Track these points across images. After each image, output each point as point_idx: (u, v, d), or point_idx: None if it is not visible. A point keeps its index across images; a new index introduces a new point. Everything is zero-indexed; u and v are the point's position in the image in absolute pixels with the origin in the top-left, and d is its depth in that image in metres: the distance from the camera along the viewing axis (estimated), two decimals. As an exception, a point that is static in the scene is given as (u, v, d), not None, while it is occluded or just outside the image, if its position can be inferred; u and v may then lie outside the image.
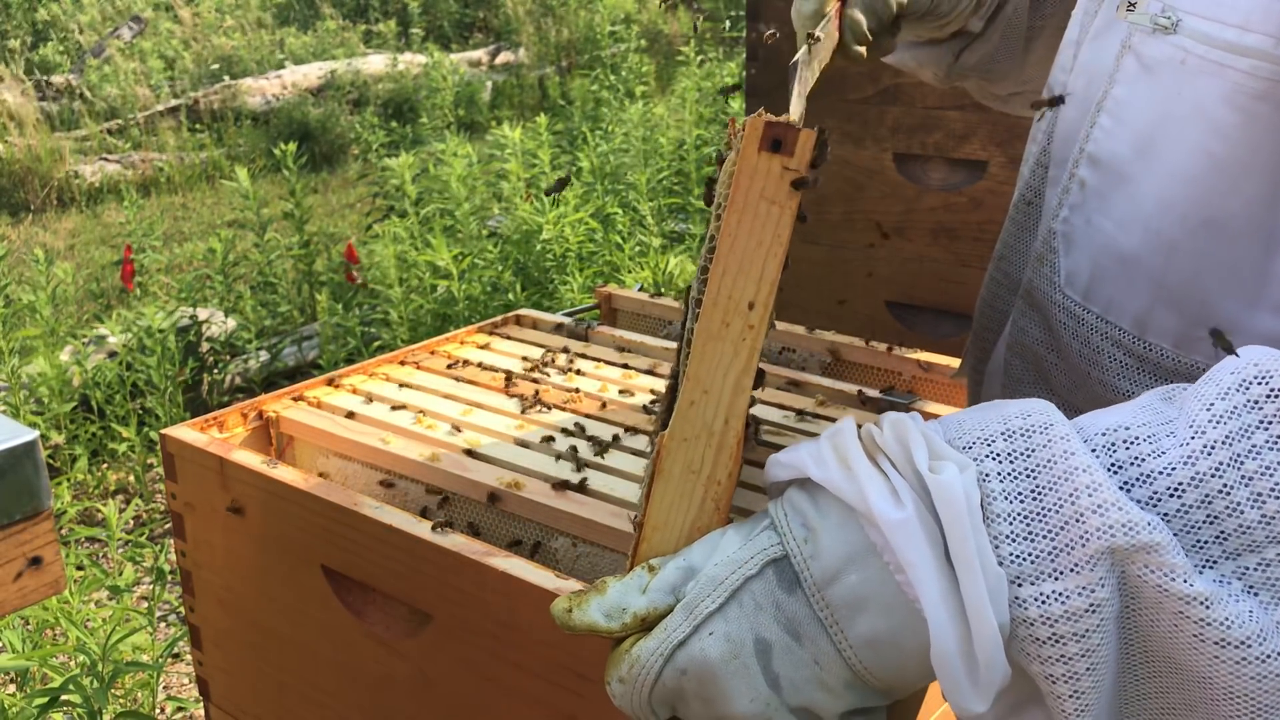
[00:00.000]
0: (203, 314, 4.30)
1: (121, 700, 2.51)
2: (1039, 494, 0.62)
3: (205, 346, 4.14)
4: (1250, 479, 0.59)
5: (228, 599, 1.25)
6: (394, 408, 1.32)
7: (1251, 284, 0.84)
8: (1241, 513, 0.59)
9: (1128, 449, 0.62)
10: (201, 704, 1.44)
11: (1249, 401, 0.60)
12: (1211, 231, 0.84)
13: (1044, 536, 0.61)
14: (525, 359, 1.46)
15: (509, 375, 1.40)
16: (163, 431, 1.24)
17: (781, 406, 1.30)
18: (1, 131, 7.48)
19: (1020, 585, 0.61)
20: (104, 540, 3.15)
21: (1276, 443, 0.59)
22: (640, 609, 0.69)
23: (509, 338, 1.56)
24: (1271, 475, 0.59)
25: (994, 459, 0.63)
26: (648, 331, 1.63)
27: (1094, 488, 0.60)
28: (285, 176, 4.82)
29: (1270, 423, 0.60)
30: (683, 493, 0.73)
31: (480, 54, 9.74)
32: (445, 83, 7.88)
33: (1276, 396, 0.60)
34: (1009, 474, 0.63)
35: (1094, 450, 0.63)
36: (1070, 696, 0.61)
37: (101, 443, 3.80)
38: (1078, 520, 0.60)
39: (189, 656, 2.52)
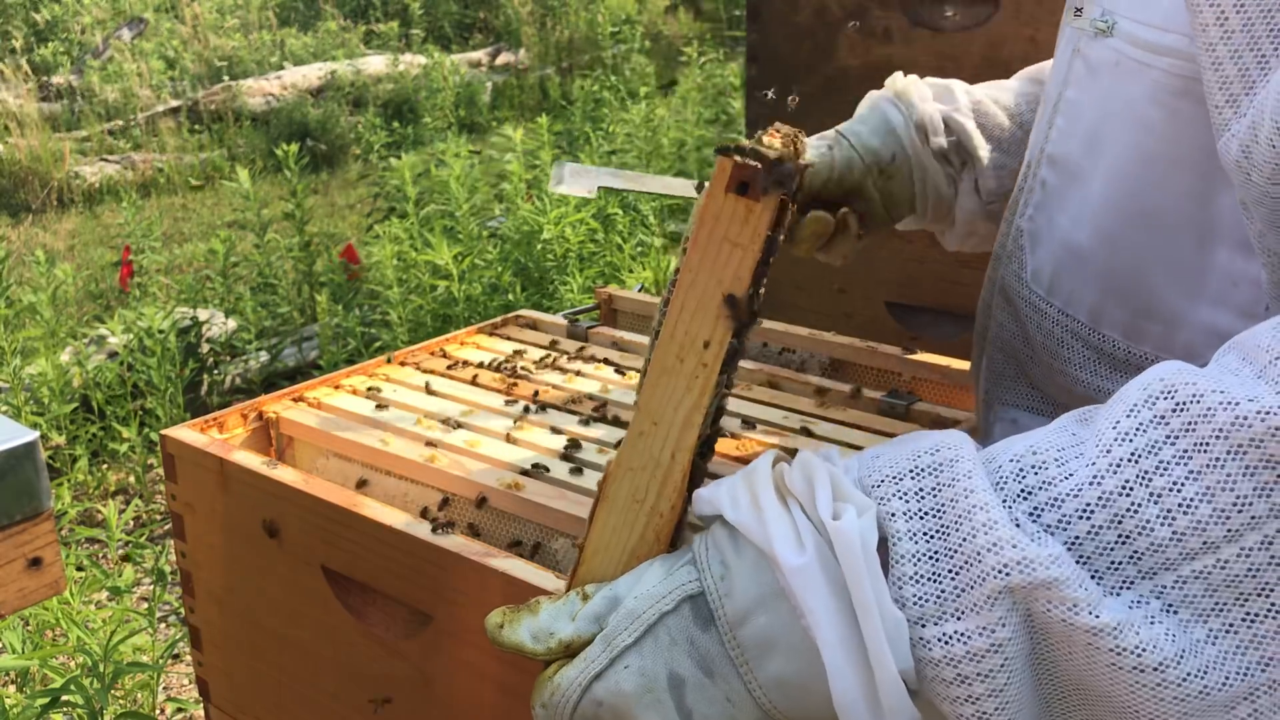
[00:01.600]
0: (203, 315, 4.30)
1: (122, 701, 2.51)
2: (944, 533, 0.61)
3: (205, 347, 4.14)
4: (1159, 496, 0.58)
5: (228, 600, 1.25)
6: (394, 408, 1.32)
7: (1190, 277, 0.86)
8: (1152, 531, 0.58)
9: (1036, 474, 0.62)
10: (201, 705, 1.44)
11: (1155, 417, 0.59)
12: (1148, 225, 0.87)
13: (947, 576, 0.60)
14: (523, 360, 1.46)
15: (510, 375, 1.40)
16: (163, 432, 1.24)
17: (781, 407, 1.30)
18: (1, 132, 7.48)
19: (924, 626, 0.60)
20: (104, 541, 3.15)
21: (1183, 458, 0.58)
22: (566, 635, 0.70)
23: (509, 338, 1.56)
24: (1180, 491, 0.57)
25: (901, 498, 0.63)
26: (648, 332, 1.62)
27: (990, 525, 0.60)
28: (285, 177, 4.82)
29: (1176, 438, 0.58)
30: (625, 520, 0.73)
31: (480, 55, 9.74)
32: (446, 83, 7.89)
33: (1181, 410, 0.58)
34: (915, 513, 0.62)
35: (1004, 478, 0.62)
36: None
37: (102, 443, 3.80)
38: (976, 559, 0.60)
39: (189, 657, 2.51)
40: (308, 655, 1.18)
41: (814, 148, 1.13)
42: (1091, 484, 0.60)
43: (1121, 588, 0.59)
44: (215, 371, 4.15)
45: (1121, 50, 0.87)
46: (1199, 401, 0.58)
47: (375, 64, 8.87)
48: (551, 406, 1.30)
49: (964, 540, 0.60)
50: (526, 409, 1.30)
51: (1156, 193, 0.86)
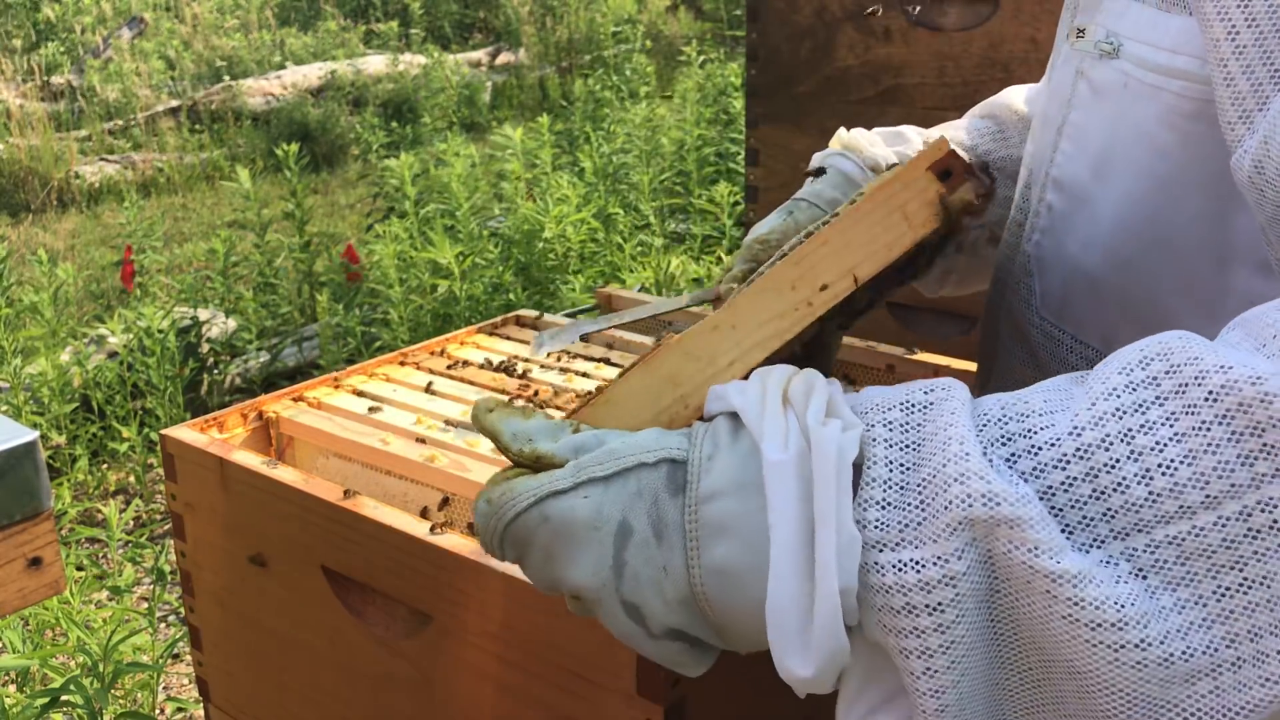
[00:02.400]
0: (204, 314, 4.30)
1: (122, 701, 2.51)
2: (918, 465, 0.61)
3: (205, 347, 4.15)
4: (1139, 455, 0.56)
5: (228, 599, 1.25)
6: (394, 408, 1.32)
7: (1208, 300, 0.84)
8: (1128, 489, 0.56)
9: (1021, 421, 0.61)
10: (201, 705, 1.44)
11: (1148, 378, 0.58)
12: (1164, 249, 0.85)
13: (914, 506, 0.60)
14: (524, 359, 1.46)
15: (510, 375, 1.40)
16: (162, 432, 1.23)
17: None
18: (2, 132, 7.48)
19: (881, 551, 0.60)
20: (104, 541, 3.15)
21: (1170, 419, 0.56)
22: (542, 449, 0.70)
23: (509, 338, 1.56)
24: (1161, 451, 0.56)
25: (885, 426, 0.63)
26: (648, 332, 1.62)
27: (962, 457, 0.59)
28: (286, 177, 4.82)
29: (1165, 399, 0.57)
30: (653, 392, 0.73)
31: (480, 54, 9.74)
32: (448, 83, 7.89)
33: (1175, 373, 0.57)
34: (896, 442, 0.62)
35: (987, 422, 0.61)
36: (924, 674, 0.60)
37: (102, 443, 3.80)
38: (943, 489, 0.59)
39: (189, 657, 2.52)
40: (308, 655, 1.18)
41: (773, 219, 1.13)
42: (1071, 435, 0.59)
43: (1091, 545, 0.57)
44: (215, 371, 4.15)
45: (1129, 73, 0.86)
46: (1194, 365, 0.57)
47: (375, 64, 8.88)
48: (552, 407, 1.30)
49: (935, 472, 0.60)
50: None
51: (1171, 216, 0.85)
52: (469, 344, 1.54)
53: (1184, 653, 0.55)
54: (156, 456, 3.72)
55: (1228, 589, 0.55)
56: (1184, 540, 0.56)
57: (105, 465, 3.85)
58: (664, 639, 0.68)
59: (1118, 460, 0.57)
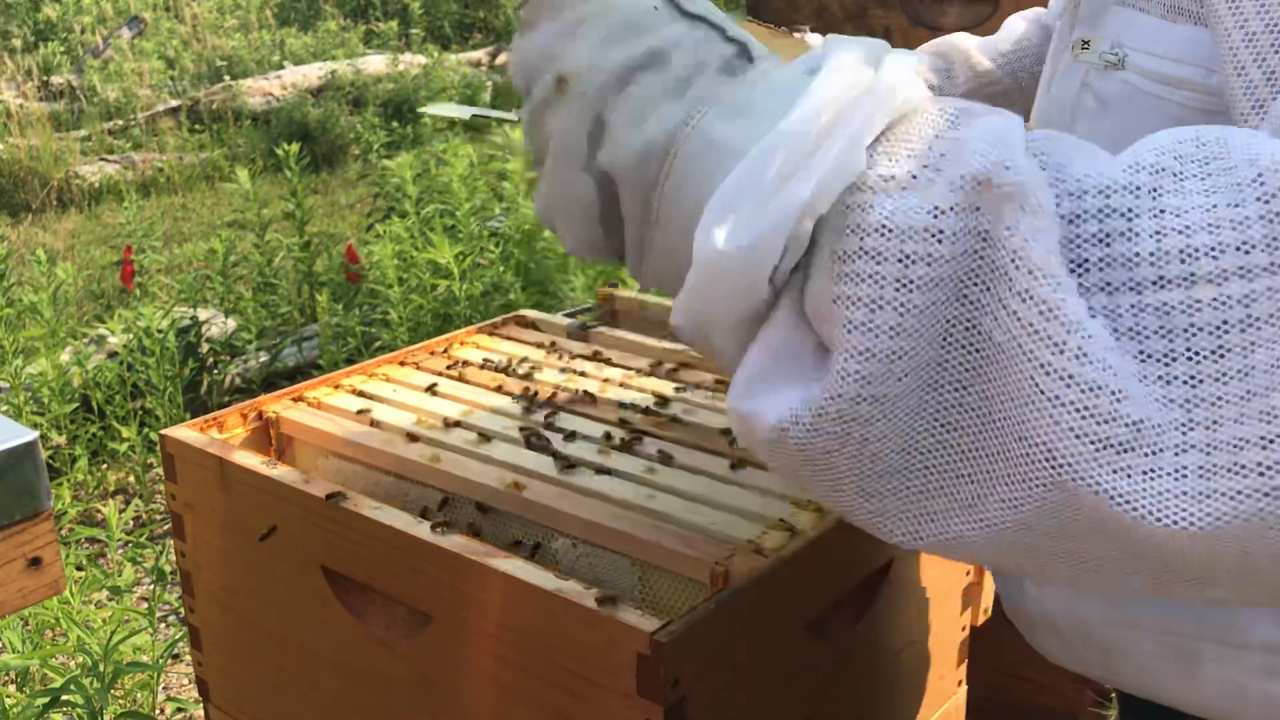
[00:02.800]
0: (203, 314, 4.30)
1: (122, 701, 2.51)
2: (952, 137, 0.57)
3: (205, 347, 4.15)
4: (1162, 212, 0.53)
5: (227, 600, 1.25)
6: (394, 408, 1.32)
7: None
8: (1136, 239, 0.52)
9: (1060, 155, 0.57)
10: (201, 705, 1.44)
11: (1200, 155, 0.54)
12: None
13: (931, 167, 0.55)
14: (524, 359, 1.46)
15: (510, 375, 1.40)
16: (162, 432, 1.23)
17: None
18: (2, 132, 7.49)
19: (874, 193, 0.55)
20: (104, 541, 3.15)
21: (1207, 191, 0.52)
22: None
23: (509, 338, 1.56)
24: (1184, 215, 0.52)
25: (939, 109, 0.59)
26: (648, 332, 1.62)
27: (999, 140, 0.55)
28: (286, 177, 4.82)
29: (1210, 175, 0.53)
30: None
31: (480, 54, 9.74)
32: (448, 83, 7.88)
33: (1226, 156, 0.53)
34: (947, 112, 0.59)
35: (1028, 143, 0.57)
36: (861, 328, 0.54)
37: (102, 443, 3.80)
38: (968, 153, 0.55)
39: (189, 657, 2.52)
40: (308, 655, 1.18)
41: None
42: (1100, 175, 0.55)
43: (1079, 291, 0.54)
44: (215, 371, 4.15)
45: (1134, 84, 0.85)
46: (1248, 149, 0.53)
47: (375, 63, 8.88)
48: (551, 406, 1.30)
49: (965, 140, 0.56)
50: (526, 409, 1.30)
51: None
52: (469, 344, 1.54)
53: (1132, 421, 0.51)
54: (156, 456, 3.72)
55: (1200, 378, 0.51)
56: (1172, 311, 0.52)
57: (105, 465, 3.85)
58: (590, 180, 0.65)
59: (1137, 211, 0.53)
